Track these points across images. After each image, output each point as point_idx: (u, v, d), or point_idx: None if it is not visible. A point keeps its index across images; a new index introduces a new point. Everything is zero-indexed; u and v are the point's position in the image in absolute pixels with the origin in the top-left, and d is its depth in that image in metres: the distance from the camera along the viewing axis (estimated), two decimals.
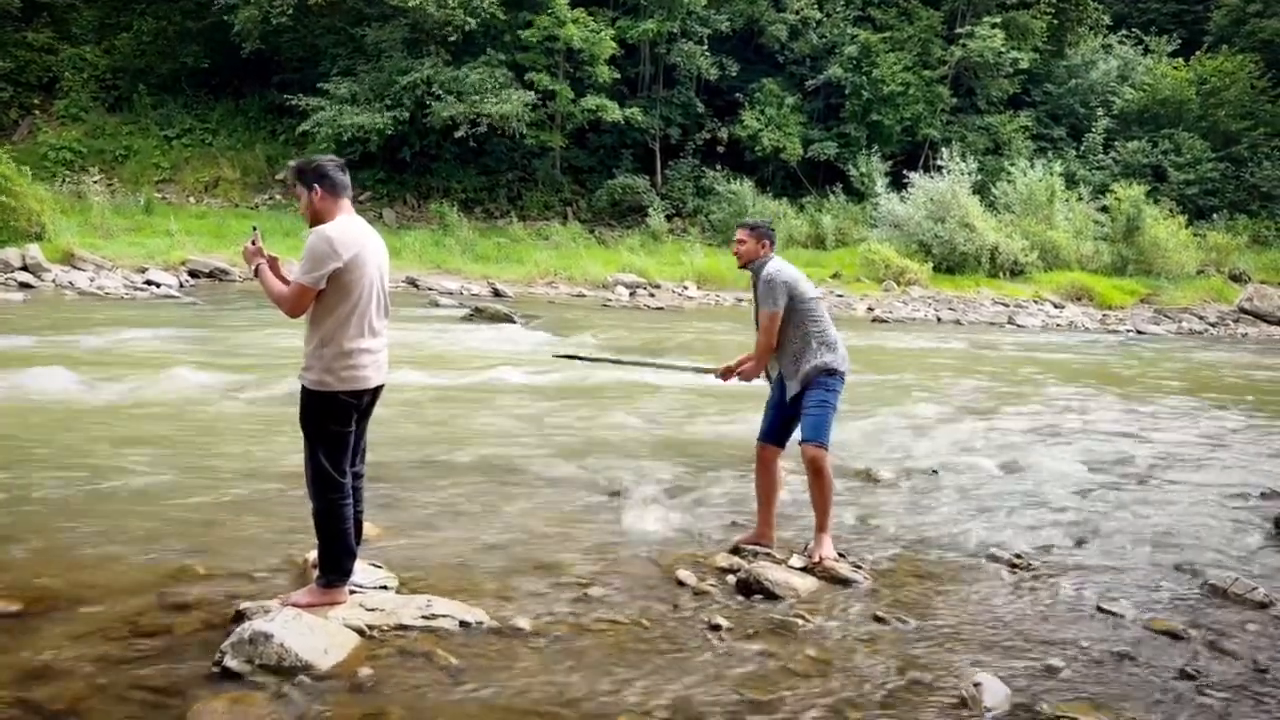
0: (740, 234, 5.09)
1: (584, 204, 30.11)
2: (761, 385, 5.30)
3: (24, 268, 17.09)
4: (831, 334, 4.97)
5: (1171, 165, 31.38)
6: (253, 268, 3.92)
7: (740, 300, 21.59)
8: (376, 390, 3.97)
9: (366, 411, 4.00)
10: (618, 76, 28.29)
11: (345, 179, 3.88)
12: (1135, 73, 33.97)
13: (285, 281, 3.86)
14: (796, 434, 5.02)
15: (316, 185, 3.81)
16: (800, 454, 4.93)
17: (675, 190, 30.11)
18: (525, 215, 28.74)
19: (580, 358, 5.56)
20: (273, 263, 3.92)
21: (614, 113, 27.40)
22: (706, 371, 5.30)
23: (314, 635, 3.55)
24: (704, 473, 6.72)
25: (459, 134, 26.27)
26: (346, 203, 3.88)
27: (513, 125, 26.26)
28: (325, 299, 3.75)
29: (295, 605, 3.77)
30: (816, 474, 4.86)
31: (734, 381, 5.26)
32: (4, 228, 18.59)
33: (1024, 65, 31.18)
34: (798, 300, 4.89)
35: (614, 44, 27.46)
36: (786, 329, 4.92)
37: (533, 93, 26.57)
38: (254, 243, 3.94)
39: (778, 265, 5.00)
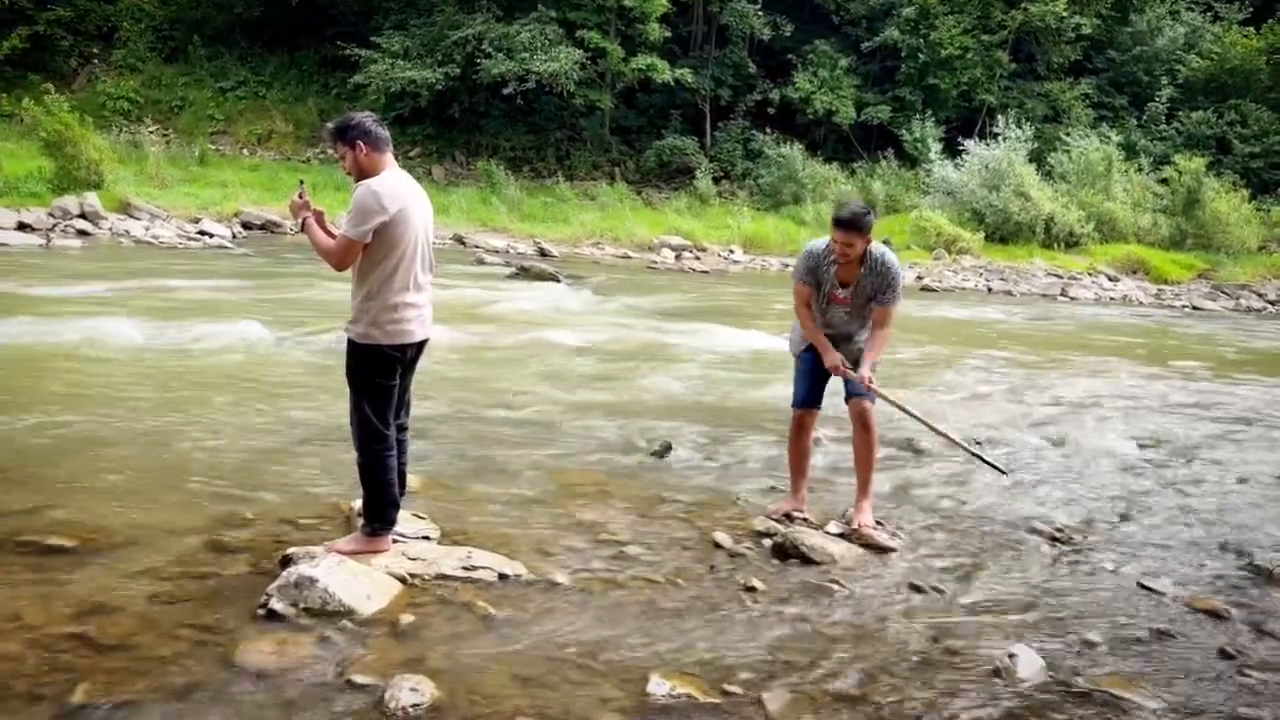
0: (848, 236, 4.54)
1: (631, 164, 29.93)
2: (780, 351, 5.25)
3: (82, 215, 17.44)
4: None
5: (1237, 137, 30.40)
6: (299, 221, 3.96)
7: (786, 265, 21.43)
8: (421, 344, 4.03)
9: (411, 365, 4.06)
10: (669, 35, 27.96)
11: (386, 133, 3.89)
12: (1203, 41, 32.84)
13: (331, 236, 3.91)
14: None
15: (360, 141, 3.81)
16: (848, 411, 4.92)
17: (724, 152, 29.80)
18: (572, 175, 28.65)
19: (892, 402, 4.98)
20: (319, 216, 3.96)
21: (664, 72, 27.13)
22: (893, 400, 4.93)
23: (357, 581, 3.64)
24: (742, 436, 6.72)
25: (508, 91, 26.20)
26: (390, 157, 3.90)
27: (562, 83, 26.13)
28: (371, 253, 3.79)
29: (340, 552, 3.86)
30: (865, 428, 4.85)
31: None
32: (64, 176, 18.97)
33: (1087, 31, 30.28)
34: None
35: (665, 2, 27.12)
36: (867, 307, 4.84)
37: (583, 51, 26.39)
38: (300, 196, 3.98)
39: (889, 251, 4.77)
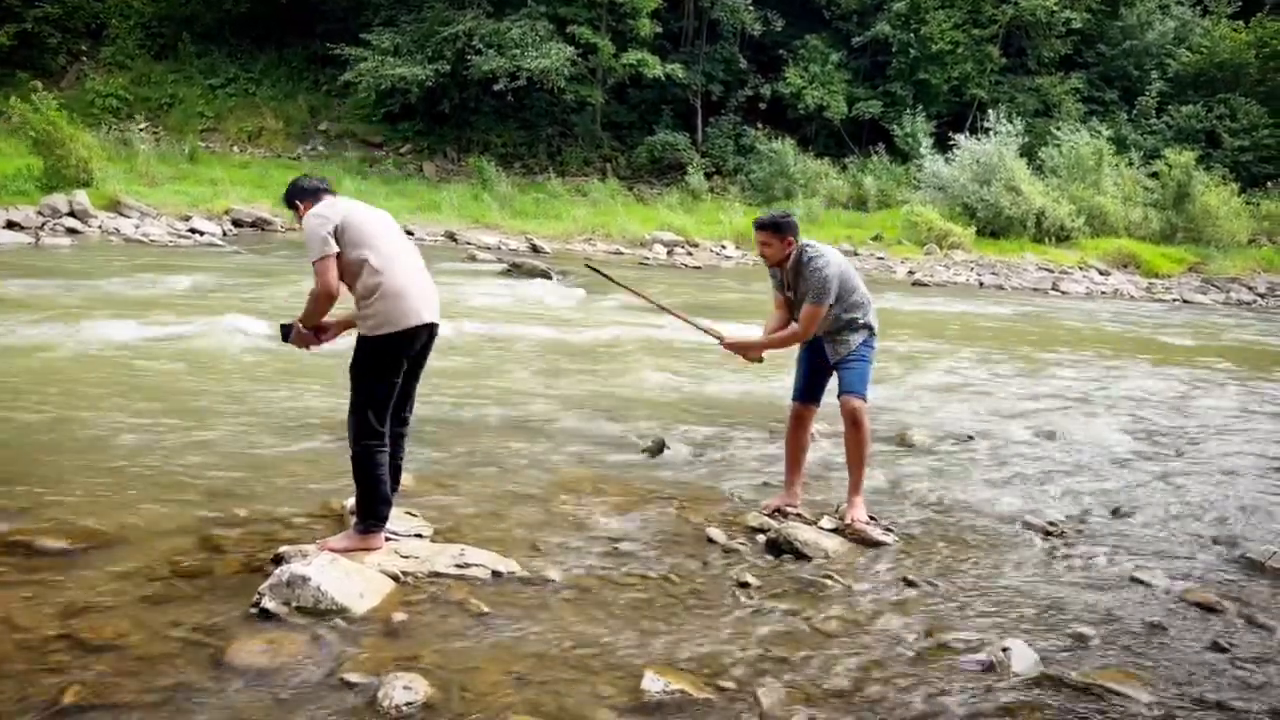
0: (763, 236, 4.84)
1: (623, 161, 29.90)
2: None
3: (71, 214, 17.34)
4: (864, 294, 4.94)
5: (1226, 131, 30.50)
6: (315, 341, 4.07)
7: None
8: (431, 334, 4.00)
9: (421, 356, 4.03)
10: (660, 31, 27.93)
11: (315, 182, 4.08)
12: (1192, 35, 32.93)
13: (321, 329, 4.10)
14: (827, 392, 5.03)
15: (297, 201, 4.02)
16: (839, 407, 4.91)
17: (715, 148, 29.79)
18: (564, 171, 28.61)
19: (606, 275, 5.57)
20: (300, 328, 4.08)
21: (655, 68, 27.10)
22: (714, 335, 5.12)
23: (350, 580, 3.62)
24: (734, 432, 6.72)
25: (498, 87, 26.13)
26: (327, 197, 4.03)
27: (553, 80, 26.08)
28: (347, 266, 3.83)
29: (332, 550, 3.84)
30: (855, 426, 4.84)
31: (729, 354, 5.12)
32: (53, 174, 18.87)
33: (1077, 25, 30.37)
34: (842, 285, 4.82)
35: None
36: (829, 309, 4.85)
37: (573, 47, 26.33)
38: (295, 335, 4.08)
39: (823, 254, 4.80)
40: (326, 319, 4.08)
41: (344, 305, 3.99)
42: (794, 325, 4.91)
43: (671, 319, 5.45)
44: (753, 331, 5.35)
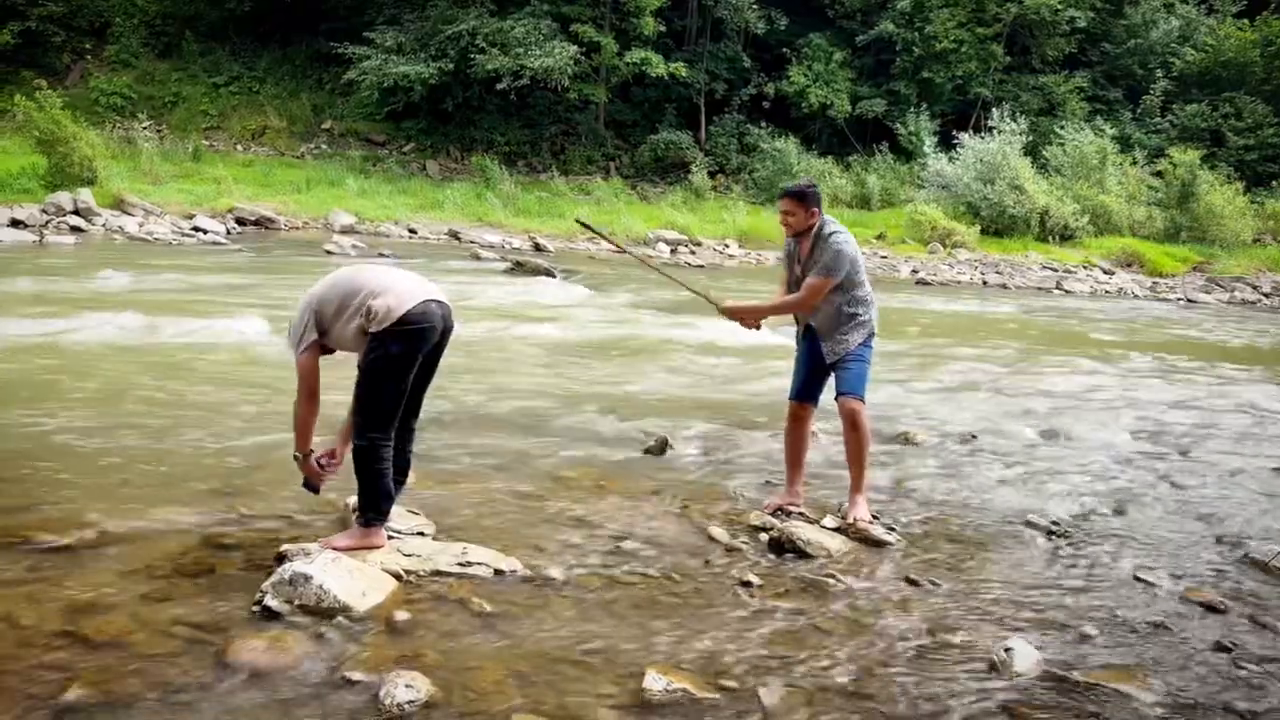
0: (786, 204, 4.83)
1: (627, 159, 29.90)
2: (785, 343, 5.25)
3: (75, 212, 17.39)
4: (868, 292, 4.94)
5: (1231, 130, 30.46)
6: (328, 468, 4.10)
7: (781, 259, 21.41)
8: (446, 328, 3.97)
9: (434, 356, 4.01)
10: (663, 29, 27.93)
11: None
12: (1197, 33, 32.88)
13: (328, 456, 4.09)
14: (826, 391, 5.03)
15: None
16: (837, 409, 4.90)
17: (719, 147, 29.80)
18: (567, 170, 28.62)
19: (597, 232, 5.74)
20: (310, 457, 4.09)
21: (659, 66, 27.10)
22: (711, 301, 5.10)
23: (352, 578, 3.62)
24: (737, 431, 6.72)
25: (502, 86, 26.14)
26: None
27: (556, 78, 26.08)
28: (347, 319, 3.81)
29: (335, 548, 3.83)
30: (854, 427, 4.83)
31: (732, 324, 5.11)
32: (57, 172, 18.92)
33: (1081, 24, 30.35)
34: (853, 270, 4.82)
35: None
36: (833, 295, 4.83)
37: (577, 46, 26.33)
38: (308, 473, 4.09)
39: (842, 232, 4.81)
40: (333, 444, 4.09)
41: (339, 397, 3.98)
42: (796, 293, 4.89)
43: (665, 280, 5.51)
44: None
